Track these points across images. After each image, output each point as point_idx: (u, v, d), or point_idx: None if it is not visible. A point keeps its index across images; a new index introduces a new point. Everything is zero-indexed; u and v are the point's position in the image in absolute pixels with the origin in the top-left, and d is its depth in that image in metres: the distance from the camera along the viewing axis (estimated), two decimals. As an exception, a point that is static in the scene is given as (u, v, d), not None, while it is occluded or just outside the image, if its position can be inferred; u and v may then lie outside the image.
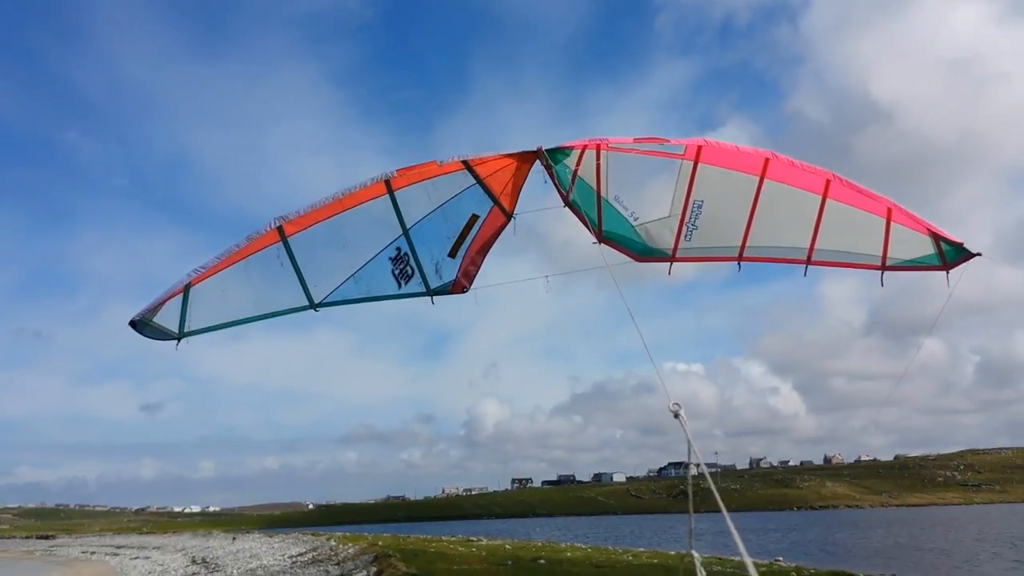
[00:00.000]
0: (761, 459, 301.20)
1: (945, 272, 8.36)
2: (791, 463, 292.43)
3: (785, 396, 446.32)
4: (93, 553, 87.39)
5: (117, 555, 79.25)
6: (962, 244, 8.19)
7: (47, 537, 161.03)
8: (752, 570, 5.47)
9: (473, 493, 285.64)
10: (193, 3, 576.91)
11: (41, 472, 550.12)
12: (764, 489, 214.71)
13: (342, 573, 30.89)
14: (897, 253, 8.45)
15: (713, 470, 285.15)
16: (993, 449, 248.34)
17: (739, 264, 9.10)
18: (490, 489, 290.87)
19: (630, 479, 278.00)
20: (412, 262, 8.87)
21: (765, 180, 8.33)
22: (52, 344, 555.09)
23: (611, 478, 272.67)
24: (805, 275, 9.04)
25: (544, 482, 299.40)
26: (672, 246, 9.16)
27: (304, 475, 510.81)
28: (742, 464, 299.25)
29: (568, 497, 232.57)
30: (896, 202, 8.13)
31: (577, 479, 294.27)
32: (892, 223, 8.27)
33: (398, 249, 8.78)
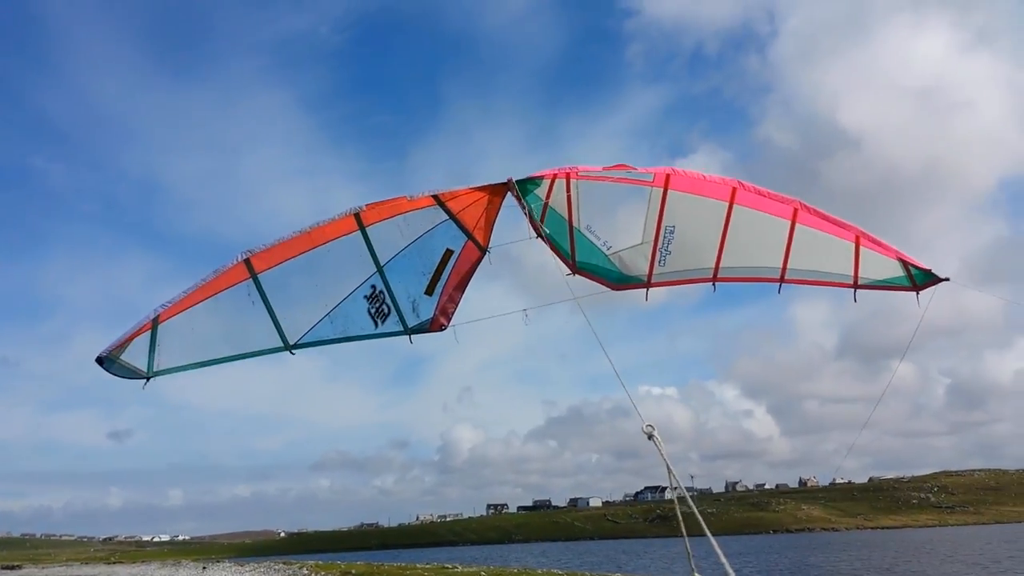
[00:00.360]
0: (737, 482, 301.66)
1: (915, 292, 8.42)
2: (767, 486, 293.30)
3: (759, 419, 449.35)
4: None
5: (84, 587, 77.59)
6: (930, 270, 8.30)
7: (12, 567, 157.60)
8: None
9: (448, 519, 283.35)
10: (164, 29, 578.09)
11: (6, 501, 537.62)
12: (740, 512, 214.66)
13: (314, 603, 30.39)
14: (868, 274, 8.54)
15: (690, 494, 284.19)
16: (966, 471, 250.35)
17: (714, 285, 9.15)
18: (465, 515, 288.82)
19: (606, 503, 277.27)
20: (388, 300, 8.73)
21: (734, 206, 8.44)
22: (19, 370, 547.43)
23: (587, 503, 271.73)
24: (779, 292, 9.12)
25: (520, 507, 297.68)
26: (647, 272, 9.18)
27: (276, 502, 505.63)
28: (718, 487, 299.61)
29: (544, 522, 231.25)
30: (865, 230, 8.24)
31: (553, 504, 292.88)
32: (861, 248, 8.37)
33: (373, 287, 8.64)
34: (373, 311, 8.72)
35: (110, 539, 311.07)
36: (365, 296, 8.65)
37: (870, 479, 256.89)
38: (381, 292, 8.67)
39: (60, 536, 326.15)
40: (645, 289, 9.27)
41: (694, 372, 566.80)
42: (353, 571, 45.96)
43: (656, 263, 9.09)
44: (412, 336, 9.04)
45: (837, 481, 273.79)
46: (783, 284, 8.98)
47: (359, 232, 8.16)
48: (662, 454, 5.95)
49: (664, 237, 8.85)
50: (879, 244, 8.35)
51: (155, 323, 7.38)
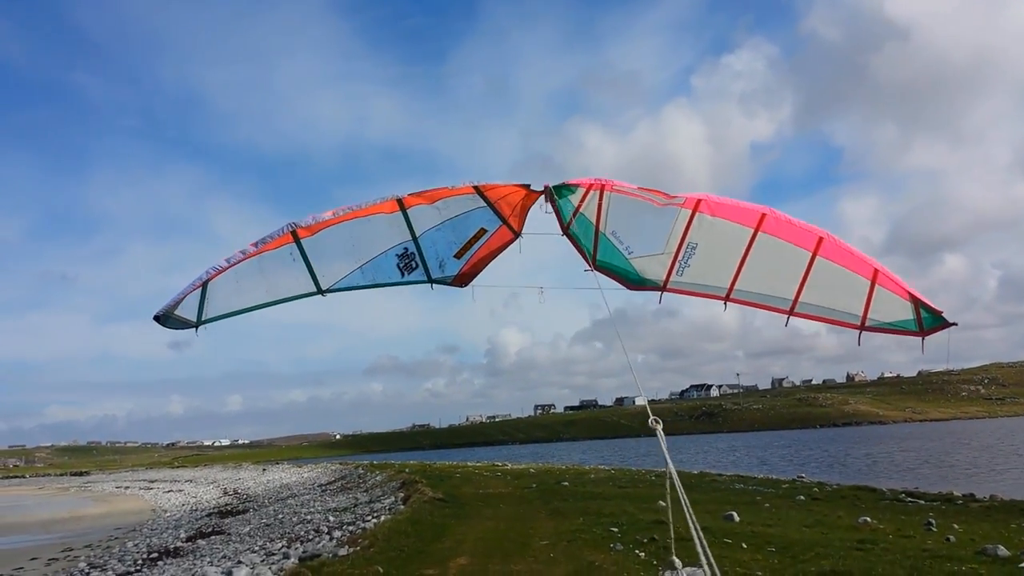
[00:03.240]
0: (783, 378, 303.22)
1: (920, 339, 8.53)
2: (814, 381, 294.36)
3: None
4: (127, 488, 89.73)
5: (151, 489, 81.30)
6: (940, 312, 8.32)
7: (81, 474, 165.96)
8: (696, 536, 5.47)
9: (497, 420, 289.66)
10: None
11: (72, 411, 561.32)
12: (787, 408, 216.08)
13: (371, 500, 31.42)
14: (877, 315, 8.61)
15: (736, 390, 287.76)
16: (1017, 362, 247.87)
17: (725, 304, 9.43)
18: (514, 416, 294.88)
19: (651, 402, 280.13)
20: (417, 259, 9.27)
21: (759, 232, 8.60)
22: (76, 285, 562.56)
23: (633, 401, 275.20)
24: (786, 325, 9.47)
25: (567, 407, 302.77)
26: (664, 279, 9.44)
27: (331, 406, 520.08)
28: (764, 384, 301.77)
29: (591, 421, 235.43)
30: (883, 267, 8.34)
31: (600, 404, 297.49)
32: (876, 285, 8.43)
33: (405, 249, 9.15)
34: (402, 265, 9.28)
35: (173, 445, 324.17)
36: (397, 254, 9.19)
37: (919, 372, 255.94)
38: (412, 253, 9.21)
39: (125, 443, 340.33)
40: (660, 292, 9.63)
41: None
42: (407, 469, 47.33)
43: (674, 272, 9.32)
44: (434, 284, 9.59)
45: (885, 375, 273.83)
46: (791, 317, 9.21)
47: (400, 212, 8.66)
48: (664, 448, 6.04)
49: (685, 251, 9.10)
50: (894, 282, 8.40)
51: (205, 284, 8.01)
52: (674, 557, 6.33)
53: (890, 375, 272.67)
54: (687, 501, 5.68)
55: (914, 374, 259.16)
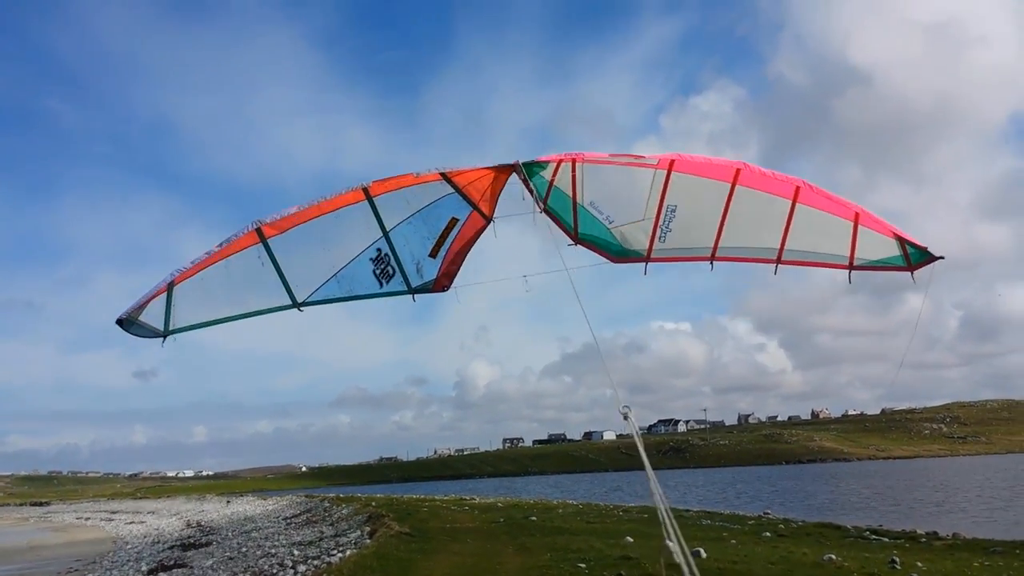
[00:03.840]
0: (749, 415, 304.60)
1: (910, 272, 8.63)
2: (779, 418, 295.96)
3: (772, 353, 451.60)
4: (88, 519, 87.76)
5: (112, 520, 79.66)
6: (926, 248, 8.43)
7: (41, 504, 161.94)
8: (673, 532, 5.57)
9: (465, 453, 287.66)
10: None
11: (34, 440, 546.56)
12: (753, 444, 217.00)
13: (336, 533, 31.10)
14: (864, 254, 8.72)
15: (703, 426, 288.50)
16: (978, 401, 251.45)
17: (711, 264, 9.39)
18: (482, 449, 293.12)
19: (620, 436, 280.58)
20: (393, 262, 9.05)
21: (736, 186, 8.59)
22: (41, 313, 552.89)
23: (601, 436, 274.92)
24: (776, 274, 9.33)
25: (535, 441, 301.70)
26: (647, 247, 9.40)
27: (297, 438, 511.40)
28: (731, 420, 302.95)
29: (559, 455, 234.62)
30: (864, 208, 8.40)
31: (568, 438, 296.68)
32: (860, 226, 8.51)
33: (378, 250, 8.94)
34: (378, 272, 9.04)
35: (136, 475, 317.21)
36: (371, 259, 8.95)
37: (882, 410, 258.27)
38: (387, 255, 8.98)
39: (87, 473, 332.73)
40: (644, 263, 9.54)
41: (707, 307, 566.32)
42: (373, 503, 46.88)
43: (656, 239, 9.28)
44: (415, 295, 9.38)
45: (849, 412, 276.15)
46: (779, 265, 9.16)
47: (366, 202, 8.44)
48: (636, 435, 6.10)
49: (665, 215, 9.04)
50: (877, 222, 8.50)
51: (170, 287, 7.76)
52: (668, 542, 6.24)
53: (854, 412, 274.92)
54: (662, 494, 5.74)
55: (878, 412, 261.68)
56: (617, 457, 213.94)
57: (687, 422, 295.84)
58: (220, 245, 7.81)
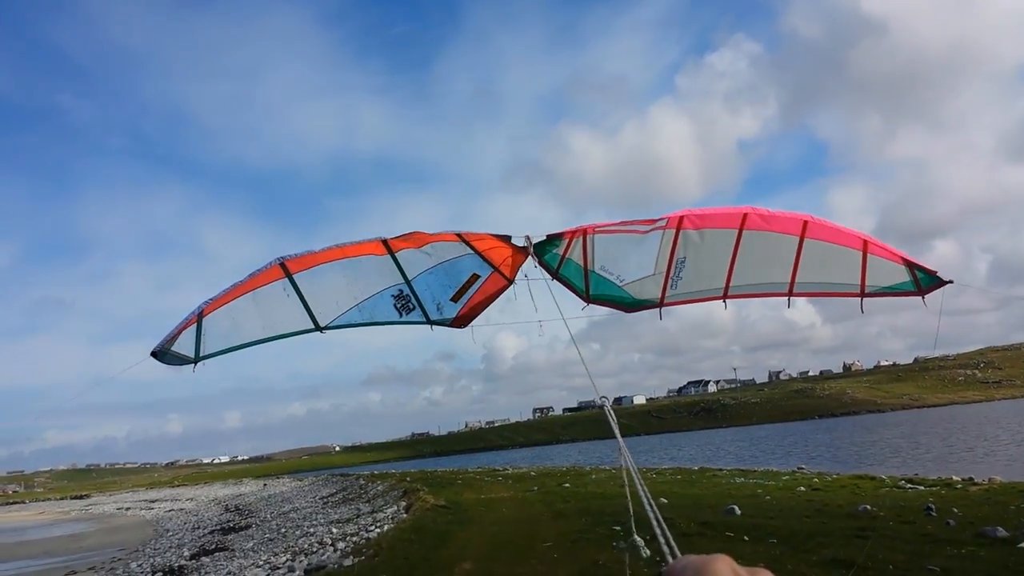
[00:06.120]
0: (780, 371, 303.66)
1: (921, 297, 8.63)
2: (811, 373, 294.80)
3: (800, 308, 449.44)
4: (128, 509, 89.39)
5: (152, 509, 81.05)
6: (935, 272, 8.47)
7: (81, 497, 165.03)
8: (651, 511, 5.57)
9: (496, 424, 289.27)
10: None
11: (70, 435, 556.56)
12: (784, 400, 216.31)
13: (373, 510, 31.44)
14: (874, 281, 8.76)
15: (733, 385, 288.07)
16: (1011, 345, 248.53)
17: (724, 302, 9.53)
18: (512, 420, 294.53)
19: (650, 400, 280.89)
20: (414, 301, 9.28)
21: (744, 231, 8.68)
22: (72, 310, 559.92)
23: (631, 400, 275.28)
24: (789, 307, 9.54)
25: (565, 409, 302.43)
26: (660, 296, 9.52)
27: (329, 418, 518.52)
28: (761, 378, 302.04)
29: (590, 422, 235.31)
30: (871, 236, 8.48)
31: (598, 405, 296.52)
32: (868, 255, 8.58)
33: (400, 290, 9.16)
34: (399, 306, 9.28)
35: (172, 464, 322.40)
36: (392, 295, 9.19)
37: (915, 359, 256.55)
38: (407, 295, 9.20)
39: (124, 464, 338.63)
40: (659, 309, 9.65)
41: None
42: (408, 478, 47.34)
43: (668, 288, 9.40)
44: (433, 326, 9.62)
45: (881, 363, 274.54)
46: (792, 297, 9.26)
47: (388, 255, 8.69)
48: (614, 425, 6.17)
49: (676, 267, 9.16)
50: (885, 249, 8.56)
51: (200, 317, 7.97)
52: (635, 536, 6.44)
53: (886, 363, 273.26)
54: (639, 477, 5.76)
55: (910, 361, 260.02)
56: (648, 421, 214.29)
57: (717, 382, 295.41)
58: (246, 278, 8.06)
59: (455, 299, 9.43)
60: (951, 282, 8.56)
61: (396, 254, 8.72)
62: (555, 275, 9.43)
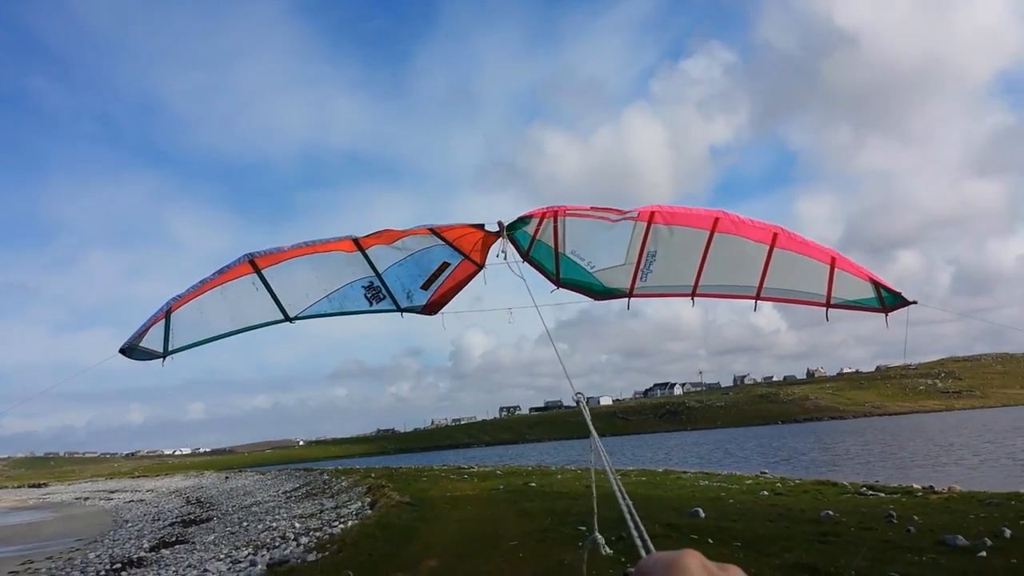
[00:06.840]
0: (745, 376, 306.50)
1: (884, 315, 8.80)
2: (775, 378, 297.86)
3: (766, 314, 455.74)
4: (87, 499, 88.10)
5: (111, 499, 79.96)
6: (900, 293, 8.62)
7: (39, 486, 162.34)
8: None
9: (462, 423, 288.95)
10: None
11: (28, 422, 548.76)
12: (749, 404, 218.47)
13: (337, 505, 31.25)
14: (840, 294, 8.88)
15: (699, 388, 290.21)
16: (971, 356, 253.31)
17: (692, 300, 9.62)
18: (479, 418, 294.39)
19: (616, 401, 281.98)
20: (384, 291, 9.38)
21: (715, 233, 8.78)
22: (34, 295, 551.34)
23: (598, 401, 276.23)
24: (755, 310, 9.75)
25: (532, 409, 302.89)
26: (629, 287, 9.63)
27: (294, 413, 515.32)
28: (727, 381, 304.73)
29: (556, 422, 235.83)
30: (840, 253, 8.64)
31: (565, 404, 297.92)
32: (836, 269, 8.72)
33: (371, 282, 9.24)
34: (369, 296, 9.37)
35: (133, 454, 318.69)
36: (363, 286, 9.27)
37: (877, 367, 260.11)
38: (378, 287, 9.29)
39: (83, 454, 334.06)
40: (627, 299, 9.77)
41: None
42: (373, 474, 47.14)
43: (638, 279, 9.48)
44: (403, 313, 9.75)
45: (845, 371, 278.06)
46: (759, 301, 9.41)
47: (358, 252, 8.76)
48: (588, 422, 6.18)
49: (646, 260, 9.25)
50: (853, 266, 8.71)
51: (168, 313, 7.97)
52: (596, 534, 6.48)
53: (849, 370, 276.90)
54: (612, 470, 5.74)
55: (872, 369, 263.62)
56: (614, 422, 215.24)
57: (683, 385, 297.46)
58: (215, 274, 8.05)
59: (425, 287, 9.51)
60: (915, 303, 8.68)
61: (367, 251, 8.76)
62: (526, 257, 9.47)
